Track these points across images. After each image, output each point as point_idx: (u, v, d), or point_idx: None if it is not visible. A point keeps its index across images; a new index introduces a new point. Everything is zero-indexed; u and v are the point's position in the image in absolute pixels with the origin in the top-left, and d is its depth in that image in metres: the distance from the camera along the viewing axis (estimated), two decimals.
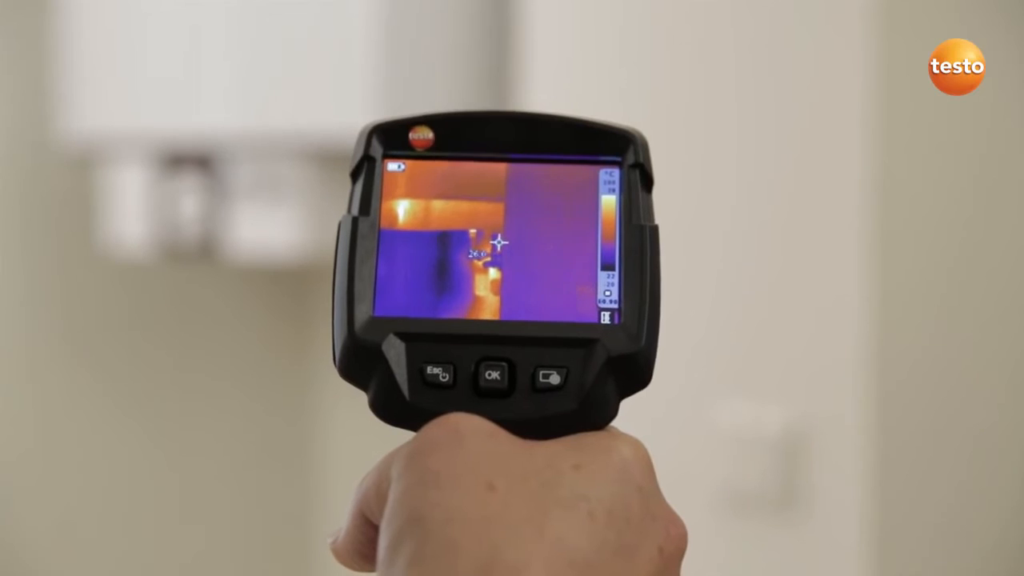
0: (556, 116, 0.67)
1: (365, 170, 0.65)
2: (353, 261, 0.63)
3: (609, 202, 0.65)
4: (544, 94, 2.00)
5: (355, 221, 0.64)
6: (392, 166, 0.66)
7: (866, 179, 1.69)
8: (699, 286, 1.82)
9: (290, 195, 2.34)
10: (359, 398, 0.64)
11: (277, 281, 2.81)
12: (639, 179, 0.65)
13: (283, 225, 2.35)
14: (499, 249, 0.64)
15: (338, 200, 2.34)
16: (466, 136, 0.66)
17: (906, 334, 1.73)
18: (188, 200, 2.43)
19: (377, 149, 0.66)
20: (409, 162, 0.66)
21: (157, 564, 2.77)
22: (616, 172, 0.66)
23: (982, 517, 1.76)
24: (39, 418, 2.65)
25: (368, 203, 0.65)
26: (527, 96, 2.03)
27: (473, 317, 0.63)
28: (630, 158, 0.66)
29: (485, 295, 0.64)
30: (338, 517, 2.69)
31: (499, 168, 0.66)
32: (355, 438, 2.73)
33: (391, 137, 0.66)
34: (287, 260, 2.43)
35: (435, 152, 0.66)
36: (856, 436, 1.72)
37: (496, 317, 0.63)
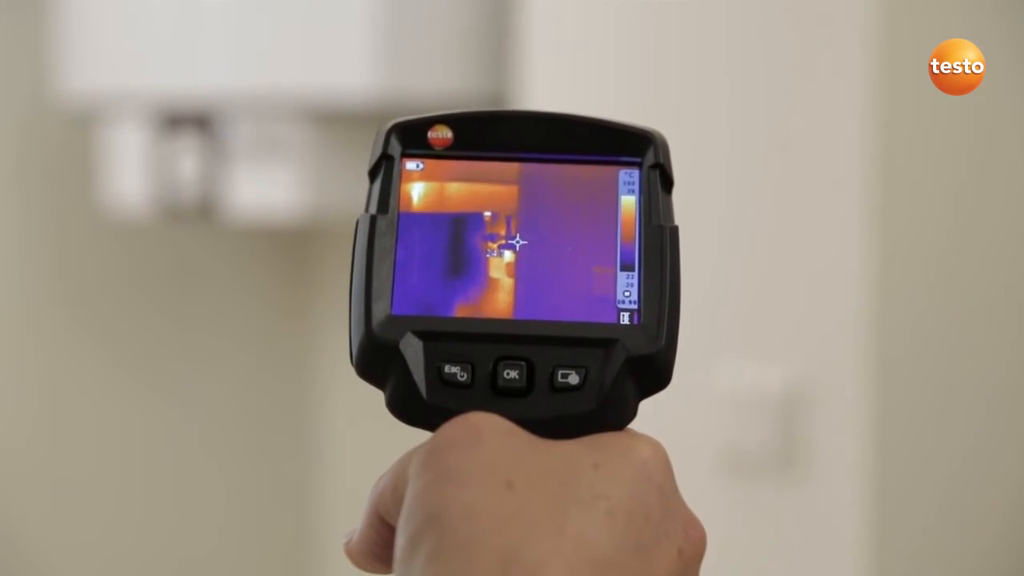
0: (576, 116, 0.66)
1: (384, 169, 0.65)
2: (371, 259, 0.63)
3: (629, 203, 0.65)
4: (543, 49, 1.99)
5: (373, 219, 0.64)
6: (410, 165, 0.66)
7: (866, 177, 1.69)
8: (700, 246, 1.82)
9: (289, 155, 2.33)
10: None
11: (276, 242, 2.80)
12: (659, 180, 0.65)
13: (282, 185, 2.34)
14: (517, 248, 0.64)
15: (338, 160, 2.33)
16: (485, 135, 0.66)
17: (906, 295, 1.73)
18: (187, 160, 2.42)
19: (396, 148, 0.66)
20: (428, 161, 0.66)
21: (154, 524, 2.77)
22: (636, 173, 0.66)
23: (983, 477, 1.77)
24: (36, 377, 2.65)
25: (386, 202, 0.64)
26: (527, 52, 2.02)
27: (490, 306, 0.63)
28: (650, 159, 0.66)
29: (500, 278, 0.63)
30: (337, 477, 2.66)
31: (518, 167, 0.66)
32: (355, 398, 2.73)
33: (410, 136, 0.66)
34: (286, 220, 2.42)
35: (454, 151, 0.66)
36: (856, 397, 1.72)
37: (514, 314, 0.63)
